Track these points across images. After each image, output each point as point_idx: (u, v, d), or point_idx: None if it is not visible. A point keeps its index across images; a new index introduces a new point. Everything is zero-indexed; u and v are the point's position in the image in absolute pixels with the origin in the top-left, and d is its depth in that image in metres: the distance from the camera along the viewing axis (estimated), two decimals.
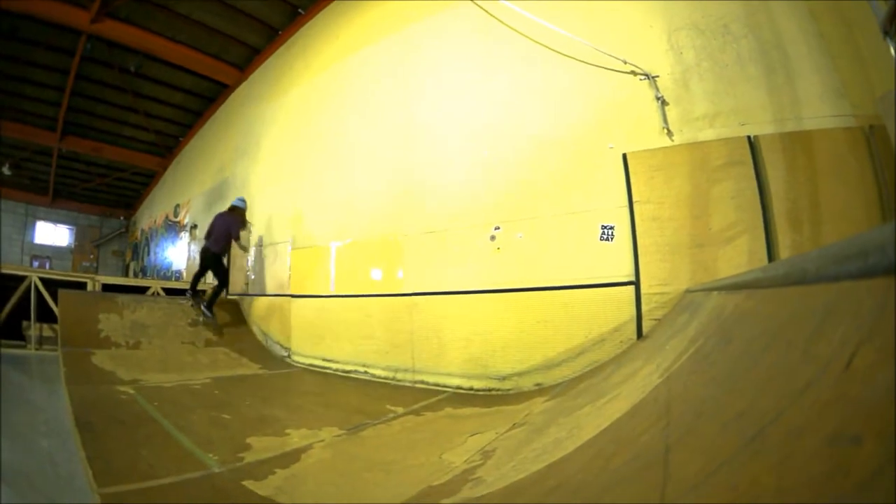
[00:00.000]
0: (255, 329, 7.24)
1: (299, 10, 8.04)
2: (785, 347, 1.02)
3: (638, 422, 1.47)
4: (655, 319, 3.53)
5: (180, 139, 12.92)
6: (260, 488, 2.10)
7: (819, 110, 3.38)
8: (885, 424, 0.52)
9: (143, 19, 8.29)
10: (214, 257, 6.70)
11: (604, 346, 3.71)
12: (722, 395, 1.14)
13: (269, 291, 7.33)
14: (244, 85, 9.79)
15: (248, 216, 7.40)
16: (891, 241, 0.66)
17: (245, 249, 7.23)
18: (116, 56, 9.24)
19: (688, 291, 3.27)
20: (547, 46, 4.48)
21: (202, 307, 6.52)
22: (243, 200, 7.21)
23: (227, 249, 6.97)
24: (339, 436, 2.94)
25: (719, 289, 2.27)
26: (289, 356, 6.41)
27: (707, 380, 1.34)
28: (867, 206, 3.12)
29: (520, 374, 4.07)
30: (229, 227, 6.70)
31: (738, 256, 3.40)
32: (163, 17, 8.23)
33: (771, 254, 3.32)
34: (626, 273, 3.76)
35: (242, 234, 7.00)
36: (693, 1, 3.88)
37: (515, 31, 4.72)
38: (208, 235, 6.79)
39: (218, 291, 6.72)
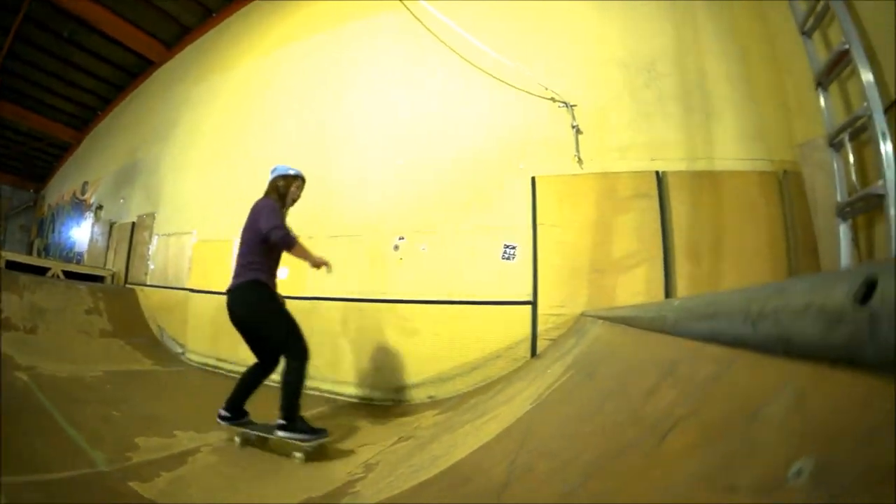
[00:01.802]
0: (150, 322, 6.72)
1: None
2: (625, 399, 1.01)
3: (499, 449, 1.49)
4: (550, 339, 3.60)
5: (98, 112, 11.98)
6: (145, 490, 2.10)
7: (733, 152, 3.58)
8: None
9: None
10: (244, 302, 3.07)
11: (498, 363, 3.74)
12: (565, 436, 1.12)
13: (168, 283, 6.83)
14: (169, 63, 9.29)
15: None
16: (738, 309, 0.62)
17: (286, 243, 3.23)
18: (53, 19, 8.46)
19: (583, 315, 3.35)
20: (473, 64, 4.52)
21: (283, 432, 2.78)
22: (286, 167, 3.53)
23: (267, 266, 3.31)
24: (227, 440, 2.92)
25: (605, 318, 2.32)
26: (184, 353, 6.01)
27: (562, 417, 1.33)
28: (773, 248, 3.33)
29: (414, 386, 4.02)
30: (257, 219, 3.25)
31: (636, 284, 3.55)
32: None
33: (668, 284, 3.50)
34: (525, 292, 3.82)
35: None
36: (623, 36, 4.02)
37: (445, 44, 4.72)
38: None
39: (290, 375, 2.98)
